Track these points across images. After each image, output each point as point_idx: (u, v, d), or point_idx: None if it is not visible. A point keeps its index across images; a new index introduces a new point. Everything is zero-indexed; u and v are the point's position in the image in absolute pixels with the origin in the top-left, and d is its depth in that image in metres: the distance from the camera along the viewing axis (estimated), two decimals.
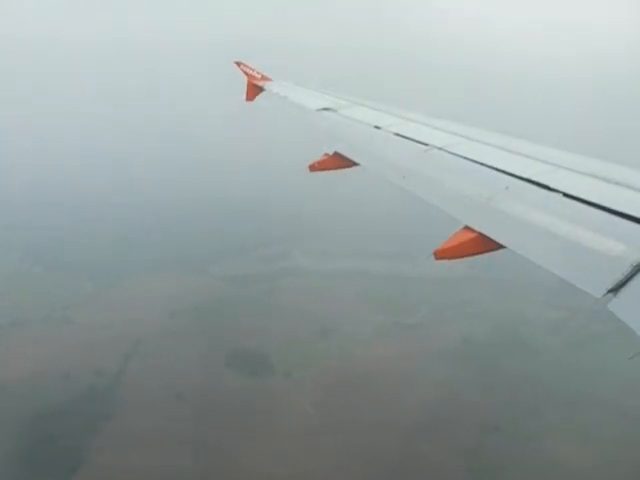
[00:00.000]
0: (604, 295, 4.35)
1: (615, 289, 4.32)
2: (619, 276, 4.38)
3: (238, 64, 15.60)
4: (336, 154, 9.34)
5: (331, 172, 9.55)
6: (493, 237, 5.73)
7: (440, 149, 7.86)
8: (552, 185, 6.01)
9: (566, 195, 5.76)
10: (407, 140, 8.56)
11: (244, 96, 15.31)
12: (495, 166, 6.87)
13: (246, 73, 15.37)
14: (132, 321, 65.93)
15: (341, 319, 67.34)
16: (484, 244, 5.81)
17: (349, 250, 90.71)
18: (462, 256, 5.99)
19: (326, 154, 9.59)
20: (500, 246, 5.71)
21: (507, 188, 6.35)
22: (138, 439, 46.68)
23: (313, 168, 9.64)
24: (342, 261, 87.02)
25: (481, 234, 5.84)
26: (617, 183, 5.81)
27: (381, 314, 69.91)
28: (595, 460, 45.68)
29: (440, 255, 5.95)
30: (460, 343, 63.85)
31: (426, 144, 8.14)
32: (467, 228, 6.02)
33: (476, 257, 6.13)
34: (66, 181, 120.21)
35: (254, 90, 15.00)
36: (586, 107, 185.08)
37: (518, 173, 6.50)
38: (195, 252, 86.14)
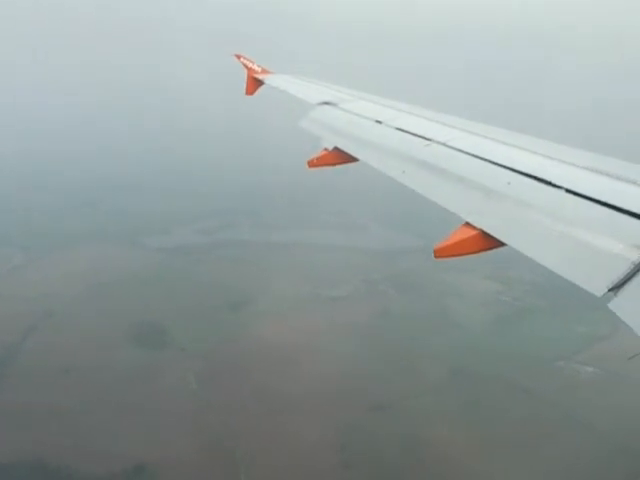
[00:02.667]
0: (605, 294, 4.22)
1: (616, 288, 4.23)
2: (620, 275, 4.28)
3: (238, 57, 15.12)
4: (336, 149, 9.06)
5: (330, 168, 9.25)
6: (494, 234, 5.57)
7: (442, 144, 7.74)
8: (555, 181, 5.88)
9: (569, 191, 5.62)
10: (408, 135, 8.41)
11: (244, 90, 14.79)
12: (497, 161, 6.76)
13: (246, 66, 14.84)
14: (52, 294, 64.63)
15: (260, 291, 64.52)
16: (485, 241, 5.65)
17: (302, 223, 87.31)
18: (462, 254, 5.77)
19: (325, 149, 9.23)
20: (501, 243, 5.53)
21: (509, 183, 6.23)
22: (9, 414, 45.51)
23: (312, 164, 9.22)
24: (289, 233, 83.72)
25: (482, 231, 5.67)
26: (621, 179, 5.66)
27: (306, 286, 66.74)
28: (472, 449, 42.03)
29: (440, 253, 5.70)
30: (378, 317, 60.34)
31: (428, 139, 8.01)
32: (467, 225, 5.83)
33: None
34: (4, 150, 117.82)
35: (254, 84, 14.57)
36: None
37: (520, 168, 6.40)
38: (136, 224, 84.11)
